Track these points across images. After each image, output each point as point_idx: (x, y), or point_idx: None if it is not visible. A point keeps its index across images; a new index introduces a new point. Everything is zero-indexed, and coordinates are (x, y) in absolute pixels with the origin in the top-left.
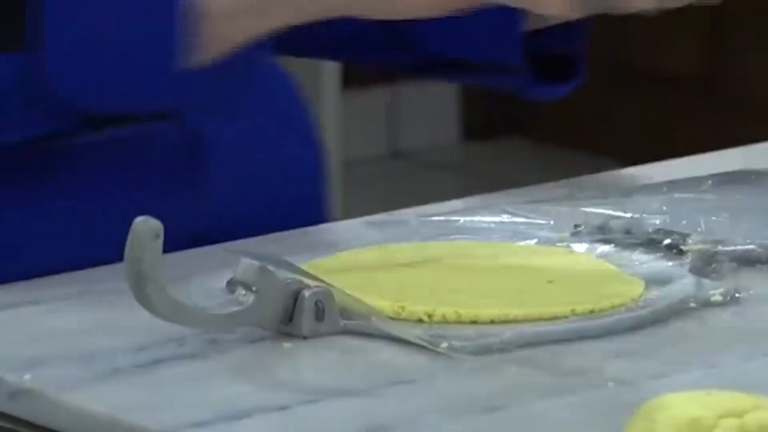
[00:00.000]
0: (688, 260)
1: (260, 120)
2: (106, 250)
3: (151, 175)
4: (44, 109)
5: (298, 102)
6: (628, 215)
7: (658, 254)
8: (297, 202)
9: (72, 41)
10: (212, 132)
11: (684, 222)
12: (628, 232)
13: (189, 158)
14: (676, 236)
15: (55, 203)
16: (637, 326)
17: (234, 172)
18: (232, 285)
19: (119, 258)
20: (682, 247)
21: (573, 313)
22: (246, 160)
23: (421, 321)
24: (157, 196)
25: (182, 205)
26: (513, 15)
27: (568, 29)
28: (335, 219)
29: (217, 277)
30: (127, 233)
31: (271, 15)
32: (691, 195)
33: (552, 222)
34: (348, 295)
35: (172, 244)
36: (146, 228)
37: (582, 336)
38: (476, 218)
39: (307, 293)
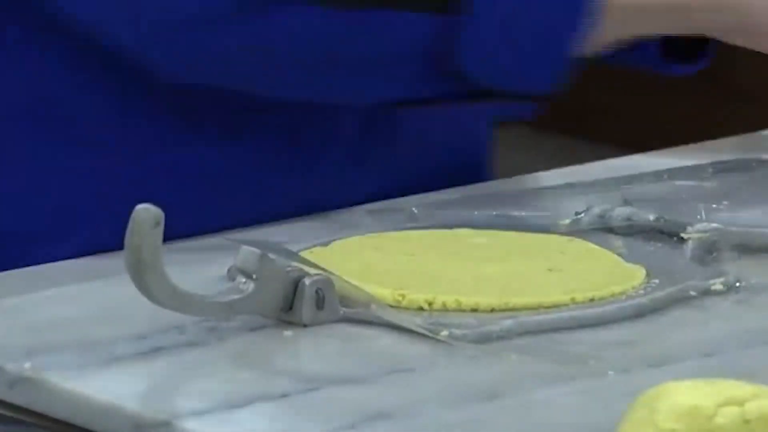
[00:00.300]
0: (688, 248)
1: None
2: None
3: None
4: (441, 75)
5: None
6: (629, 203)
7: (658, 242)
8: (467, 164)
9: (497, 19)
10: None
11: (684, 210)
12: (628, 220)
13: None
14: (676, 224)
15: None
16: (637, 314)
17: (421, 131)
18: (232, 273)
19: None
20: (683, 235)
21: (573, 301)
22: (431, 123)
23: (421, 309)
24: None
25: (376, 162)
26: None
27: None
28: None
29: (217, 265)
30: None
31: (660, 21)
32: (692, 183)
33: (552, 210)
34: (348, 283)
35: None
36: (147, 216)
37: (582, 324)
38: (476, 207)
39: (307, 281)
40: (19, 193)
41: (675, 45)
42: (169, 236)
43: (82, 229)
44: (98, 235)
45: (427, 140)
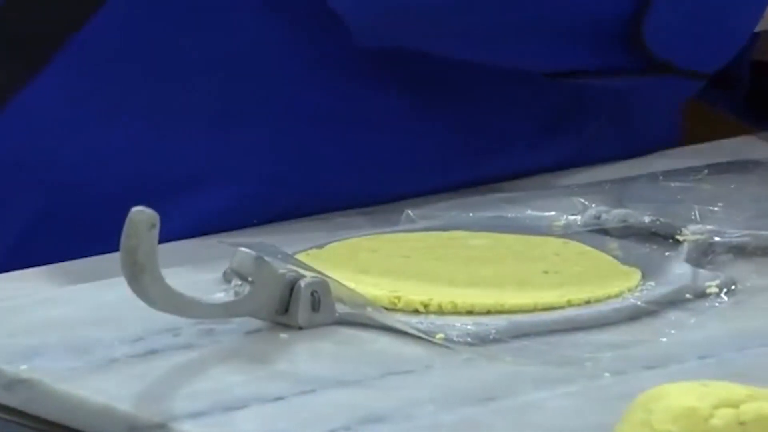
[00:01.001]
0: (684, 250)
1: None
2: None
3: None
4: (622, 47)
5: None
6: (624, 205)
7: (654, 244)
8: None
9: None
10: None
11: (680, 212)
12: (624, 222)
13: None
14: (672, 226)
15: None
16: (633, 317)
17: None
18: (228, 275)
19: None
20: (678, 237)
21: (569, 303)
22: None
23: (417, 311)
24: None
25: (561, 142)
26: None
27: None
28: None
29: (213, 267)
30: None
31: None
32: (688, 184)
33: (548, 212)
34: (344, 285)
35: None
36: (142, 217)
37: (578, 326)
38: (471, 209)
39: (303, 283)
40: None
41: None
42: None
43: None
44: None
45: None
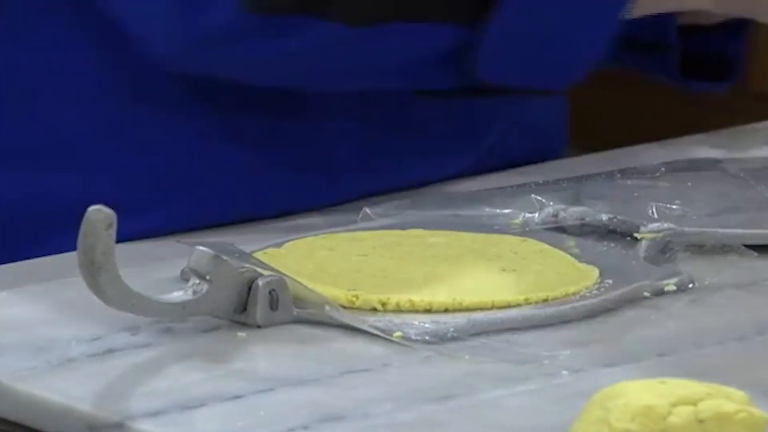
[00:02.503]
0: (642, 248)
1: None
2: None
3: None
4: (459, 74)
5: None
6: (582, 203)
7: (611, 242)
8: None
9: (513, 24)
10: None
11: (637, 210)
12: (581, 220)
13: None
14: (629, 224)
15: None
16: (590, 314)
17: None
18: (185, 274)
19: None
20: (636, 235)
21: (527, 301)
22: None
23: (375, 309)
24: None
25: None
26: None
27: (730, 30)
28: None
29: (170, 266)
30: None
31: None
32: (645, 183)
33: (506, 210)
34: (302, 284)
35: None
36: (100, 217)
37: (536, 324)
38: (429, 207)
39: (260, 282)
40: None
41: (699, 61)
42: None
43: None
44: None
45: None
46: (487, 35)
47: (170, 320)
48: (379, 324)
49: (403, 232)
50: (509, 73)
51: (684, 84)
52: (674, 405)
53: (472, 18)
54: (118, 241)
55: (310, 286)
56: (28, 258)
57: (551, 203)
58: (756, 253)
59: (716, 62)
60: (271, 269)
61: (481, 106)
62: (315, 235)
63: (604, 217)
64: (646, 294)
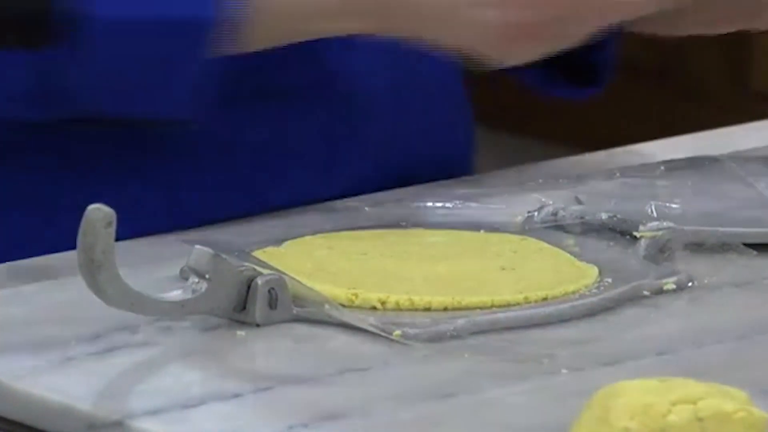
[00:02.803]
0: (641, 247)
1: (417, 87)
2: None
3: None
4: (48, 102)
5: (453, 74)
6: (581, 202)
7: (611, 241)
8: (446, 161)
9: (107, 51)
10: (368, 93)
11: (637, 209)
12: (581, 218)
13: (349, 112)
14: (629, 223)
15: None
16: (590, 313)
17: (391, 127)
18: (185, 273)
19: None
20: (636, 234)
21: (526, 300)
22: (402, 119)
23: (374, 308)
24: (321, 142)
25: (343, 152)
26: None
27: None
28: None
29: (170, 264)
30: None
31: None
32: (644, 181)
33: (505, 209)
34: (301, 282)
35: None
36: (99, 215)
37: (535, 323)
38: (428, 206)
39: (260, 281)
40: None
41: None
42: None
43: None
44: None
45: (397, 132)
46: (73, 61)
47: (170, 319)
48: (378, 323)
49: (402, 231)
50: (108, 101)
51: (544, 91)
52: (674, 404)
53: (46, 43)
54: (118, 239)
55: (310, 284)
56: None
57: (551, 202)
58: (755, 252)
59: (586, 68)
60: (271, 268)
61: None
62: (314, 233)
63: (604, 215)
64: (645, 293)
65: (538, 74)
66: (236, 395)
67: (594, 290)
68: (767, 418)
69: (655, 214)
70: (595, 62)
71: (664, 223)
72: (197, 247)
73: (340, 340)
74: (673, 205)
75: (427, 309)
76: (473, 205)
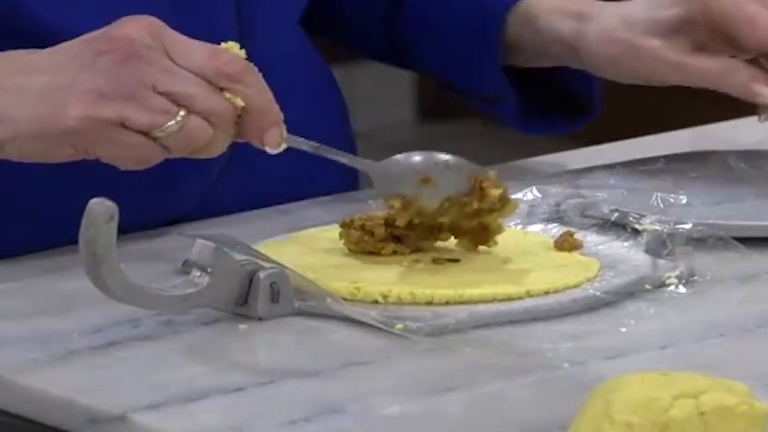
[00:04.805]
0: (643, 241)
1: (292, 94)
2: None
3: None
4: None
5: (327, 79)
6: (583, 196)
7: (612, 235)
8: (325, 170)
9: None
10: None
11: (638, 203)
12: (582, 212)
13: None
14: (630, 217)
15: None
16: (592, 307)
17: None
18: (187, 266)
19: None
20: (637, 227)
21: (528, 294)
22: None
23: (376, 302)
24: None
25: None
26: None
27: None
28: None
29: (172, 258)
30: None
31: None
32: (645, 175)
33: None
34: (303, 276)
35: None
36: (101, 209)
37: (537, 317)
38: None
39: (262, 274)
40: None
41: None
42: None
43: None
44: None
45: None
46: None
47: (171, 313)
48: (380, 316)
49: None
50: None
51: (524, 129)
52: (675, 398)
53: None
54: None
55: (312, 278)
56: None
57: (553, 196)
58: (757, 246)
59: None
60: (273, 262)
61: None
62: (316, 227)
63: (606, 209)
64: (647, 286)
65: (515, 117)
66: (238, 389)
67: (596, 284)
68: None
69: (656, 207)
70: (581, 92)
71: (666, 217)
72: (199, 240)
73: (342, 333)
74: (675, 200)
75: (429, 303)
76: None
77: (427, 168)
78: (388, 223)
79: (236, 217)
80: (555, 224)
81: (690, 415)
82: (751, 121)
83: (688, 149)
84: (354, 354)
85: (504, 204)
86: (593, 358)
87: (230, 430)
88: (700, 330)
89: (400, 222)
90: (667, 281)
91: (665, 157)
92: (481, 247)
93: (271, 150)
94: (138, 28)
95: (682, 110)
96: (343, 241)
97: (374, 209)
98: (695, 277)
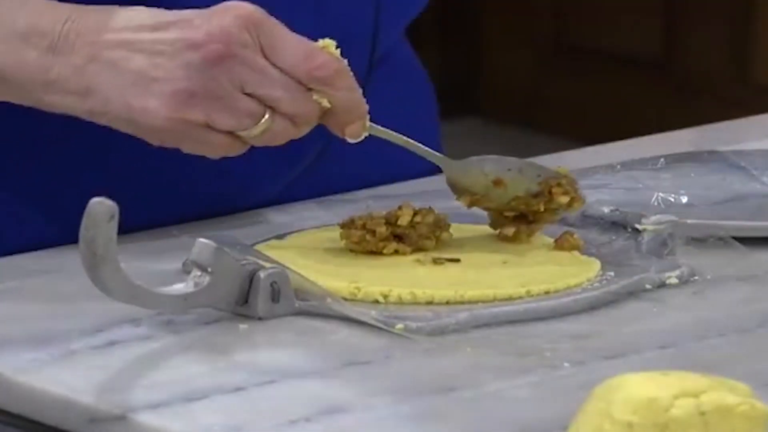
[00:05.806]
0: (643, 241)
1: (388, 93)
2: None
3: None
4: None
5: (423, 81)
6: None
7: (613, 235)
8: (416, 166)
9: None
10: None
11: (639, 202)
12: (583, 212)
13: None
14: (631, 217)
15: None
16: (592, 307)
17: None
18: (187, 266)
19: None
20: (637, 227)
21: (528, 293)
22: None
23: (376, 302)
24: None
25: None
26: None
27: None
28: None
29: (172, 258)
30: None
31: None
32: (646, 175)
33: None
34: (303, 276)
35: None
36: (101, 209)
37: (537, 317)
38: (429, 199)
39: (262, 274)
40: None
41: None
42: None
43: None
44: None
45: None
46: None
47: (172, 312)
48: (380, 316)
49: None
50: None
51: None
52: (676, 397)
53: None
54: (121, 233)
55: (312, 278)
56: None
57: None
58: (757, 246)
59: None
60: (273, 261)
61: None
62: (317, 227)
63: (606, 209)
64: (647, 286)
65: None
66: (238, 389)
67: (596, 284)
68: None
69: (657, 206)
70: None
71: (667, 217)
72: (200, 240)
73: (342, 333)
74: (675, 199)
75: (430, 303)
76: None
77: (502, 173)
78: (389, 222)
79: (235, 217)
80: (555, 224)
81: (690, 415)
82: (752, 121)
83: (688, 149)
84: (354, 354)
85: (570, 205)
86: (593, 358)
87: (230, 430)
88: (701, 330)
89: (403, 221)
90: (668, 281)
91: (665, 157)
92: (481, 248)
93: (351, 140)
94: (238, 21)
95: (682, 110)
96: (343, 242)
97: (374, 209)
98: (695, 277)
